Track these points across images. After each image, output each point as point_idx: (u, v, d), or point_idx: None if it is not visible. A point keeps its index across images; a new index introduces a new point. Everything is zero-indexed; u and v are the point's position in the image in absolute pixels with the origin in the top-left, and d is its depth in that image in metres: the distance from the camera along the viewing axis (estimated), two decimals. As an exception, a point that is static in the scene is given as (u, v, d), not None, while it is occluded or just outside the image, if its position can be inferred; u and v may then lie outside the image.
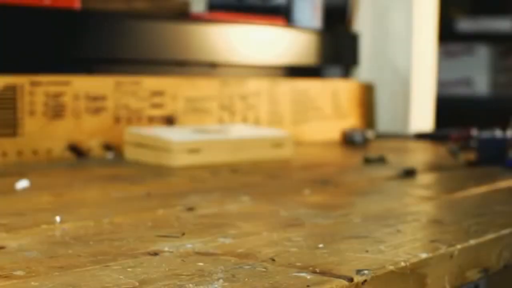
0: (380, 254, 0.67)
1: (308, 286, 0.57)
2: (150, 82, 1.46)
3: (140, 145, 1.33)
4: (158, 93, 1.47)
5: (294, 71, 1.84)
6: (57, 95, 1.32)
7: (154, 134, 1.33)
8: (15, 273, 0.59)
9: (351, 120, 1.88)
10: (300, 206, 0.92)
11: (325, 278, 0.59)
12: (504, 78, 2.86)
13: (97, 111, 1.37)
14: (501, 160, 1.31)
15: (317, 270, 0.61)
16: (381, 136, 1.82)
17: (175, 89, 1.50)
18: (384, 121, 1.97)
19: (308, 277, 0.59)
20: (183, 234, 0.72)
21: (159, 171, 1.20)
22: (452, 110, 2.51)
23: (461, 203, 0.98)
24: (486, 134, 1.38)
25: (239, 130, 1.45)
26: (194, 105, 1.53)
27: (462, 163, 1.34)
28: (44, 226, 0.76)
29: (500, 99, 2.77)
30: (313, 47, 1.85)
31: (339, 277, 0.60)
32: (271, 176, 1.19)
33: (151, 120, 1.46)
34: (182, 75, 1.55)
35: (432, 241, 0.72)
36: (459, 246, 0.71)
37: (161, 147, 1.30)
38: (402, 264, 0.64)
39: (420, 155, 1.64)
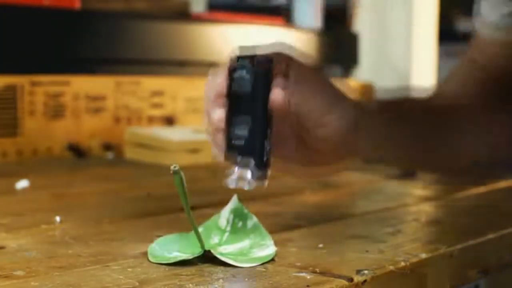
0: (380, 254, 0.67)
1: (308, 286, 0.57)
2: (150, 82, 1.46)
3: (140, 145, 1.33)
4: (158, 93, 1.47)
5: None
6: (57, 95, 1.32)
7: (154, 134, 1.33)
8: (15, 273, 0.59)
9: (351, 120, 1.88)
10: (300, 206, 0.92)
11: (325, 278, 0.59)
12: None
13: (97, 111, 1.37)
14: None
15: (317, 270, 0.61)
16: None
17: (175, 89, 1.50)
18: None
19: (308, 277, 0.59)
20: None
21: (159, 171, 1.20)
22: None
23: (461, 203, 0.98)
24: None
25: (239, 130, 1.45)
26: (194, 105, 1.53)
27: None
28: (44, 226, 0.76)
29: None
30: (313, 47, 1.85)
31: (339, 277, 0.59)
32: (271, 176, 1.19)
33: (151, 120, 1.46)
34: (182, 75, 1.55)
35: (432, 241, 0.72)
36: (459, 246, 0.71)
37: (161, 147, 1.30)
38: (402, 264, 0.64)
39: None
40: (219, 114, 0.66)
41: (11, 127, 1.27)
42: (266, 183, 0.66)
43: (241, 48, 0.67)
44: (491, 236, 0.76)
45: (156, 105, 1.46)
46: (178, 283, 0.57)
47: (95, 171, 1.24)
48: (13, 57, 1.32)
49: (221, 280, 0.58)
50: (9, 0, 1.29)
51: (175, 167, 0.62)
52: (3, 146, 1.26)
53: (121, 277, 0.58)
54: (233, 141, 0.66)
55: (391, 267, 0.63)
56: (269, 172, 0.66)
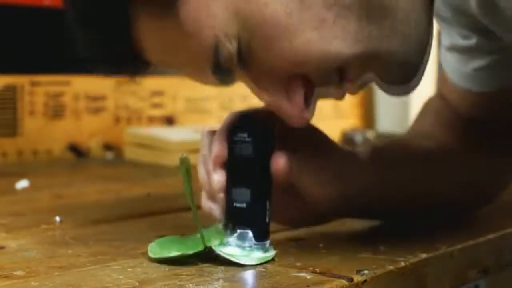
0: (380, 254, 0.67)
1: (308, 286, 0.57)
2: (150, 82, 1.46)
3: (140, 145, 1.33)
4: (158, 93, 1.47)
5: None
6: (57, 95, 1.33)
7: (154, 134, 1.33)
8: (15, 273, 0.59)
9: (351, 120, 1.88)
10: (300, 206, 0.92)
11: (325, 278, 0.59)
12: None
13: (97, 111, 1.38)
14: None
15: (317, 270, 0.61)
16: (381, 136, 1.82)
17: (175, 89, 1.50)
18: (384, 121, 1.97)
19: (308, 277, 0.59)
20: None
21: (159, 171, 1.20)
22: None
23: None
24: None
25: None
26: (194, 105, 1.53)
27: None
28: (44, 226, 0.76)
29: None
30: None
31: (339, 277, 0.60)
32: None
33: (151, 120, 1.46)
34: (182, 75, 1.55)
35: (432, 241, 0.72)
36: (459, 246, 0.71)
37: (161, 147, 1.30)
38: (402, 264, 0.64)
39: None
40: (219, 181, 0.66)
41: (11, 127, 1.27)
42: (271, 254, 0.65)
43: (239, 113, 0.67)
44: (491, 236, 0.76)
45: (156, 105, 1.46)
46: (178, 283, 0.57)
47: (95, 171, 1.24)
48: (13, 57, 1.32)
49: (221, 280, 0.58)
50: (9, 0, 1.29)
51: (183, 155, 0.62)
52: (3, 146, 1.26)
53: (121, 277, 0.58)
54: (233, 209, 0.66)
55: (391, 267, 0.63)
56: (269, 242, 0.66)
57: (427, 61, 0.65)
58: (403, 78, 0.65)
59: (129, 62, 0.64)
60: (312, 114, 0.64)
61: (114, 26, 0.61)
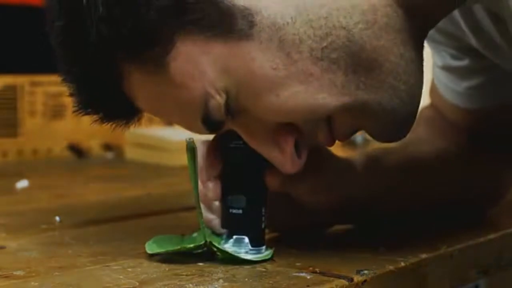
0: (380, 254, 0.67)
1: (308, 286, 0.57)
2: (150, 82, 1.46)
3: (140, 145, 1.33)
4: (158, 93, 1.47)
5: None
6: (57, 95, 1.33)
7: (154, 134, 1.33)
8: (15, 273, 0.59)
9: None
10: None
11: (325, 278, 0.59)
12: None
13: (97, 111, 1.37)
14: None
15: (317, 270, 0.61)
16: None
17: (175, 89, 1.50)
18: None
19: (308, 277, 0.59)
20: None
21: (159, 171, 1.20)
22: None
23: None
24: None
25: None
26: (194, 105, 1.52)
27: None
28: (44, 226, 0.76)
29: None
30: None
31: (339, 277, 0.60)
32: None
33: (151, 120, 1.46)
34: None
35: (432, 241, 0.72)
36: (459, 246, 0.71)
37: (161, 147, 1.30)
38: (402, 264, 0.64)
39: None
40: (214, 189, 0.66)
41: (11, 127, 1.27)
42: (270, 252, 0.66)
43: None
44: (491, 236, 0.76)
45: (156, 105, 1.46)
46: (178, 283, 0.57)
47: (95, 171, 1.24)
48: (13, 57, 1.32)
49: (221, 280, 0.58)
50: (9, 0, 1.29)
51: (190, 139, 0.62)
52: (3, 146, 1.26)
53: (121, 277, 0.58)
54: (229, 215, 0.66)
55: (391, 267, 0.63)
56: (264, 247, 0.66)
57: (416, 112, 0.64)
58: (393, 132, 0.65)
59: (121, 113, 0.66)
60: (303, 162, 0.64)
61: (106, 81, 0.62)
